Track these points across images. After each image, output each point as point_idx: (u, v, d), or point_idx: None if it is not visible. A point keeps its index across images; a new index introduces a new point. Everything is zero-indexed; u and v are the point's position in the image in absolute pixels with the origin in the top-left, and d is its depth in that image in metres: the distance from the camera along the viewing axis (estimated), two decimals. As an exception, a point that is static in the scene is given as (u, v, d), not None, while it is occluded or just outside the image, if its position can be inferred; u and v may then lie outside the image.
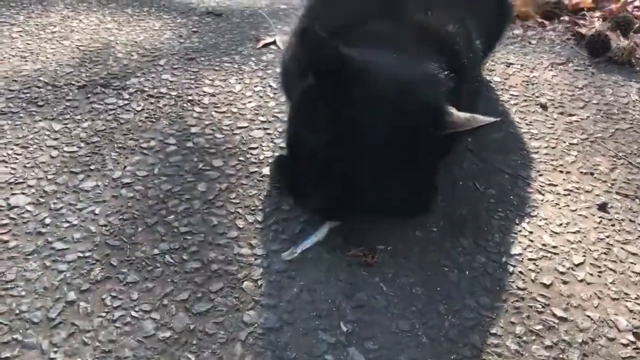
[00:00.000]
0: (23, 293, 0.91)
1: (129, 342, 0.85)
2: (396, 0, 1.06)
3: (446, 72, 0.97)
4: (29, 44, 1.68)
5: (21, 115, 1.34)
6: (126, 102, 1.41)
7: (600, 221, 1.11)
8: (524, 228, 1.08)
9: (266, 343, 0.85)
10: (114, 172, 1.17)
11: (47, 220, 1.04)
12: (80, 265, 0.96)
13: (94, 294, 0.92)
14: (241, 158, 1.23)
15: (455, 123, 0.90)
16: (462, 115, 0.91)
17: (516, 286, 0.96)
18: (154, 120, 1.35)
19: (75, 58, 1.60)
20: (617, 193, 1.18)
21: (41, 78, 1.49)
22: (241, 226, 1.06)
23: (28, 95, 1.42)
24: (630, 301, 0.95)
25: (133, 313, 0.89)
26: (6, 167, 1.17)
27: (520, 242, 1.05)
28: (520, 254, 1.02)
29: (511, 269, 0.99)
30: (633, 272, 1.00)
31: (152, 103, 1.41)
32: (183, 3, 2.09)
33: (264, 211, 1.09)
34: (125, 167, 1.19)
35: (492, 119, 0.91)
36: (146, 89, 1.47)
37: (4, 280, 0.93)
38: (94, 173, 1.17)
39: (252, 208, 1.10)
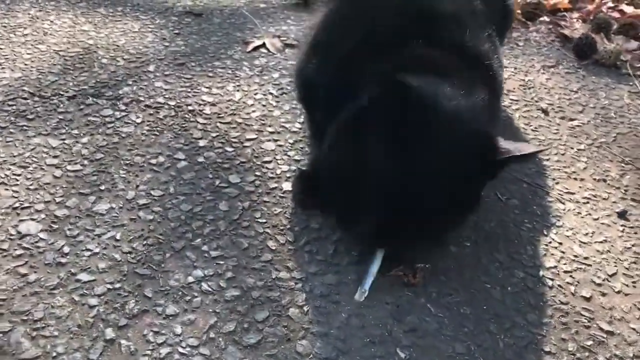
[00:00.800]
0: (56, 333, 0.84)
1: (182, 383, 0.80)
2: (434, 20, 1.03)
3: (489, 97, 0.96)
4: (1, 48, 1.56)
5: (11, 130, 1.25)
6: (124, 113, 1.33)
7: (623, 229, 1.13)
8: (553, 239, 1.09)
9: (326, 375, 0.82)
10: (127, 192, 1.11)
11: (66, 249, 0.97)
12: (112, 299, 0.90)
13: (133, 329, 0.86)
14: (257, 173, 1.19)
15: (504, 151, 0.89)
16: (510, 144, 0.91)
17: (559, 300, 0.97)
18: (157, 133, 1.28)
19: (57, 65, 1.50)
20: (633, 200, 1.21)
21: (25, 88, 1.39)
22: (273, 248, 1.02)
23: (14, 107, 1.32)
24: (669, 311, 0.97)
25: (180, 349, 0.84)
26: (7, 189, 1.09)
27: (552, 254, 1.05)
28: (555, 267, 1.03)
29: (550, 282, 1.00)
30: (665, 280, 1.03)
31: (151, 114, 1.34)
32: (158, 2, 2.00)
33: (293, 231, 1.05)
34: (137, 186, 1.12)
35: (538, 149, 0.91)
36: (142, 98, 1.39)
37: (32, 319, 0.86)
38: (105, 194, 1.10)
39: (281, 228, 1.06)
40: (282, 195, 1.13)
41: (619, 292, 0.99)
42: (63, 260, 0.96)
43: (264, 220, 1.07)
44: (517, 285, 0.99)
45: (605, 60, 1.71)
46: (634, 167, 1.31)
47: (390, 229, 0.89)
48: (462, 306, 0.94)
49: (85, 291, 0.91)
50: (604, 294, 0.99)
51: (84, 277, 0.93)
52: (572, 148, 1.35)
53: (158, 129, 1.29)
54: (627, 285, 1.01)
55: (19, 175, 1.12)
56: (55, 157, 1.18)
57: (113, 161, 1.18)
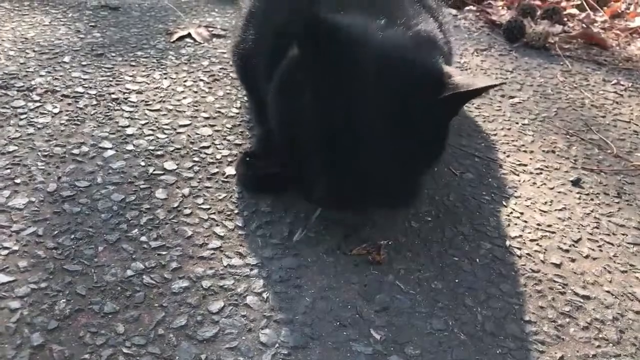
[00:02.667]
0: (-30, 344, 0.70)
1: (129, 387, 0.68)
2: None
3: (440, 37, 0.90)
4: None
5: None
6: (38, 104, 1.19)
7: (580, 196, 1.10)
8: (514, 209, 1.04)
9: (296, 364, 0.73)
10: (47, 184, 0.97)
11: (-23, 249, 0.83)
12: (38, 300, 0.77)
13: (66, 332, 0.73)
14: (195, 159, 1.08)
15: (457, 85, 0.81)
16: (464, 77, 0.84)
17: (530, 269, 0.92)
18: (79, 122, 1.15)
19: (-45, 58, 1.34)
20: (583, 168, 1.19)
21: None
22: (222, 234, 0.91)
23: None
24: (638, 272, 0.94)
25: (125, 350, 0.72)
26: None
27: (516, 224, 1.01)
28: (520, 236, 0.98)
29: (518, 252, 0.95)
30: (628, 243, 1.00)
31: (69, 104, 1.20)
32: (69, -3, 1.85)
33: (242, 215, 0.95)
34: (59, 177, 0.99)
35: (493, 82, 0.85)
36: (57, 88, 1.26)
37: (-61, 331, 0.71)
38: (21, 187, 0.96)
39: (228, 213, 0.96)
40: (225, 180, 1.03)
41: (587, 256, 0.96)
42: (-26, 261, 0.81)
43: (208, 207, 0.96)
44: (486, 256, 0.93)
45: (535, 42, 1.71)
46: (579, 138, 1.30)
47: (338, 186, 0.81)
48: (433, 281, 0.87)
49: (3, 294, 0.77)
50: (573, 260, 0.95)
51: (1, 278, 0.79)
52: (517, 123, 1.32)
53: (79, 118, 1.16)
54: (593, 250, 0.97)
55: None
56: (-42, 151, 1.03)
57: (29, 153, 1.04)
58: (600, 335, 0.82)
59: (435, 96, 0.80)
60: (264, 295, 0.81)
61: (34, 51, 1.42)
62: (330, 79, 0.79)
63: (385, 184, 0.84)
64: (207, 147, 1.11)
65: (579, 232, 1.01)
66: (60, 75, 1.31)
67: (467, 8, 1.99)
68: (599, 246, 0.98)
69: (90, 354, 0.71)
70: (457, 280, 0.88)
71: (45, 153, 1.04)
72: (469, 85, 0.80)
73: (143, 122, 1.17)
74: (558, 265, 0.93)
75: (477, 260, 0.92)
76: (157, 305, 0.78)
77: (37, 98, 1.21)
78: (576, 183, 1.13)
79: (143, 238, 0.89)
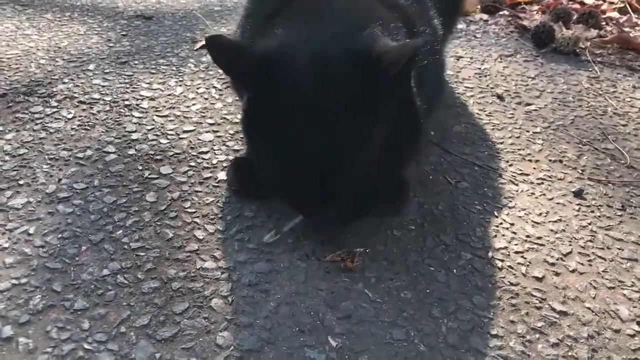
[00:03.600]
0: (-54, 333, 0.76)
1: (84, 381, 0.72)
2: None
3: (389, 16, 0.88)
4: None
5: None
6: (54, 109, 1.26)
7: (579, 208, 1.06)
8: (504, 220, 1.02)
9: (247, 367, 0.74)
10: (47, 186, 1.03)
11: (-29, 245, 0.89)
12: (16, 294, 0.82)
13: (35, 326, 0.77)
14: (192, 163, 1.11)
15: (389, 53, 0.78)
16: (393, 44, 0.81)
17: (508, 282, 0.89)
18: (89, 128, 1.20)
19: (-10, 66, 1.43)
20: (590, 179, 1.14)
21: (-48, 88, 1.31)
22: (201, 237, 0.94)
23: (-63, 106, 1.24)
24: (626, 289, 0.90)
25: (86, 345, 0.75)
26: None
27: (503, 235, 0.98)
28: (505, 248, 0.96)
29: (499, 263, 0.92)
30: (622, 258, 0.96)
31: (84, 110, 1.27)
32: (108, 7, 1.95)
33: (224, 219, 0.98)
34: (59, 180, 1.04)
35: (419, 41, 0.82)
36: (76, 95, 1.32)
37: None
38: (23, 189, 1.02)
39: (212, 217, 0.98)
40: (215, 184, 1.06)
41: (573, 270, 0.92)
42: (-34, 256, 0.87)
43: (194, 210, 0.99)
44: (464, 267, 0.91)
45: (563, 48, 1.66)
46: (592, 147, 1.25)
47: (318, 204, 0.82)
48: (403, 290, 0.87)
49: (-14, 288, 0.82)
50: (557, 274, 0.92)
51: (-14, 273, 0.84)
52: (527, 131, 1.29)
53: (90, 123, 1.22)
54: (582, 264, 0.94)
55: None
56: (-26, 153, 1.10)
57: (37, 156, 1.10)
58: (570, 353, 0.79)
59: (370, 71, 0.78)
60: (229, 298, 0.83)
61: (63, 59, 1.50)
62: (274, 100, 0.81)
63: (366, 186, 0.84)
64: (206, 153, 1.14)
65: (570, 245, 0.97)
66: (82, 82, 1.38)
67: (499, 13, 1.95)
68: (589, 260, 0.95)
69: (53, 347, 0.75)
70: (428, 291, 0.87)
71: (52, 156, 1.10)
72: (394, 48, 0.79)
73: (149, 127, 1.22)
74: (540, 279, 0.90)
75: (455, 271, 0.91)
76: (125, 304, 0.81)
77: (55, 104, 1.28)
78: (578, 194, 1.09)
79: (125, 239, 0.92)
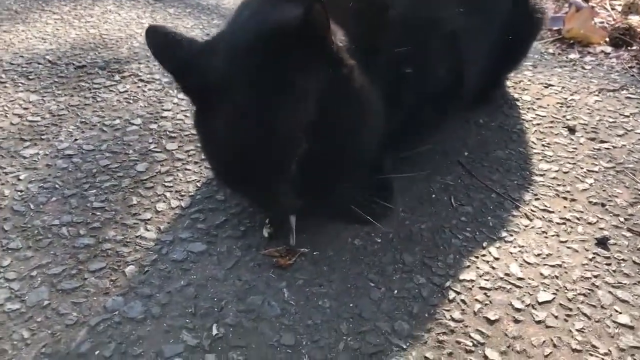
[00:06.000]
0: None
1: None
2: None
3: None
4: (57, 29, 1.68)
5: (7, 85, 1.32)
6: (113, 83, 1.35)
7: (593, 258, 0.88)
8: (489, 253, 0.88)
9: (116, 334, 0.72)
10: (62, 143, 1.10)
11: (-34, 179, 0.98)
12: (-30, 225, 0.88)
13: (-35, 255, 0.83)
14: (199, 144, 1.12)
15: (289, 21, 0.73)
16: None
17: (450, 316, 0.77)
18: (131, 101, 1.28)
19: (91, 43, 1.58)
20: (629, 230, 0.95)
21: (47, 56, 1.47)
22: (160, 210, 0.94)
23: (25, 69, 1.40)
24: (596, 356, 0.72)
25: (-5, 280, 0.79)
26: (-38, 128, 1.13)
27: (478, 268, 0.85)
28: (471, 281, 0.83)
29: (452, 295, 0.80)
30: (614, 322, 0.77)
31: (138, 87, 1.35)
32: (227, 7, 2.05)
33: (193, 198, 0.97)
34: (76, 139, 1.12)
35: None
36: (140, 74, 1.41)
37: None
38: (42, 142, 1.10)
39: (183, 194, 0.98)
40: (208, 166, 1.05)
41: (539, 322, 0.77)
42: (-43, 188, 0.96)
43: (171, 185, 1.00)
44: (409, 291, 0.80)
45: (684, 89, 1.40)
46: (654, 198, 1.03)
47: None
48: (324, 298, 0.79)
49: (-47, 215, 0.90)
50: (517, 321, 0.77)
51: (-39, 203, 0.93)
52: (581, 168, 1.10)
53: (134, 97, 1.29)
54: (556, 317, 0.77)
55: (-19, 118, 1.17)
56: (25, 109, 1.22)
57: (72, 118, 1.19)
58: (473, 408, 0.65)
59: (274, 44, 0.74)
60: (147, 268, 0.82)
61: (153, 44, 1.60)
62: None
63: (315, 157, 0.77)
64: (219, 137, 1.15)
65: (554, 294, 0.81)
66: (153, 65, 1.47)
67: (629, 48, 1.71)
68: (568, 315, 0.78)
69: (-34, 275, 0.79)
70: (351, 305, 0.78)
71: (84, 120, 1.19)
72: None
73: (183, 108, 1.25)
74: (491, 322, 0.76)
75: (395, 292, 0.80)
76: (51, 253, 0.84)
77: (118, 79, 1.38)
78: (602, 242, 0.91)
79: (92, 198, 0.96)
